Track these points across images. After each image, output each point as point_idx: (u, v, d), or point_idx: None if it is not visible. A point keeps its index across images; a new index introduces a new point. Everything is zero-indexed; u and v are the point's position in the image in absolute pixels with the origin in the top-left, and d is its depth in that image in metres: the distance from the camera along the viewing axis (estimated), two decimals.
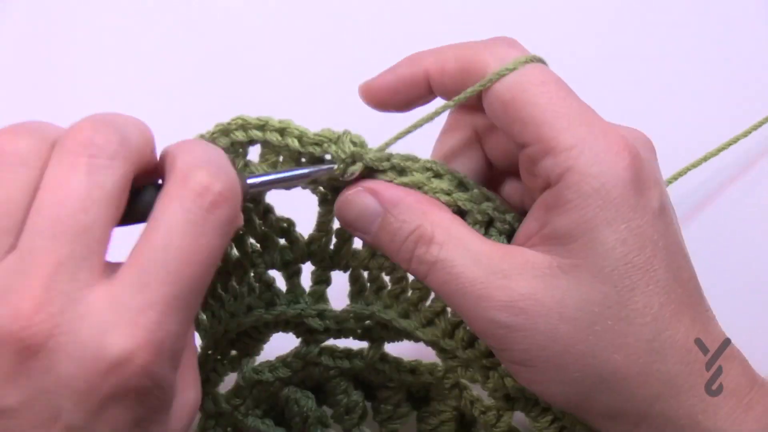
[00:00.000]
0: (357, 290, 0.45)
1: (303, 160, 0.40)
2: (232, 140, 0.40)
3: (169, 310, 0.31)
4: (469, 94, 0.38)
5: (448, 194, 0.39)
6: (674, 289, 0.36)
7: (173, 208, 0.32)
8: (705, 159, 0.55)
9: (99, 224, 0.31)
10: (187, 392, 0.36)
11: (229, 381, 0.48)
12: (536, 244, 0.37)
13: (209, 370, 0.46)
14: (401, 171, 0.39)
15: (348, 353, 0.47)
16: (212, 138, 0.40)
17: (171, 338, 0.31)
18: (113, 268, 0.32)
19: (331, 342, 0.47)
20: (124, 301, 0.31)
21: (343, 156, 0.39)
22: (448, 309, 0.43)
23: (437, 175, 0.39)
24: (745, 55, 0.63)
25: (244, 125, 0.39)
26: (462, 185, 0.40)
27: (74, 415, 0.31)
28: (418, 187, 0.39)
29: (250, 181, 0.38)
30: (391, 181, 0.39)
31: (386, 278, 0.45)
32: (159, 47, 0.64)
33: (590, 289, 0.36)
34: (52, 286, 0.30)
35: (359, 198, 0.39)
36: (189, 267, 0.32)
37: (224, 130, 0.40)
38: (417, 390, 0.49)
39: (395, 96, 0.40)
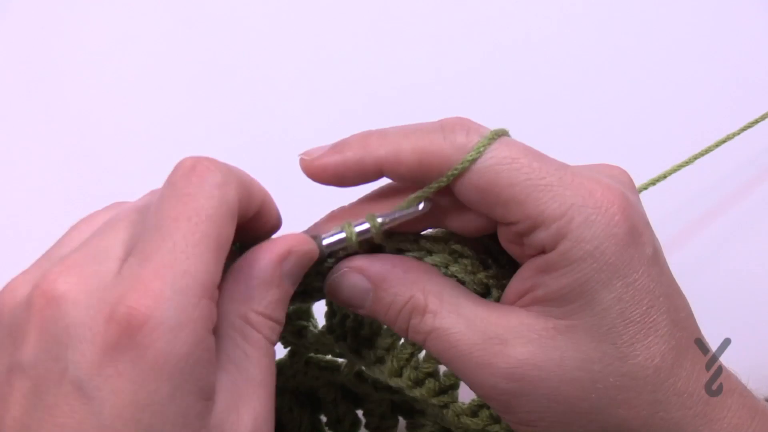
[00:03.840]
0: (329, 314, 0.45)
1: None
2: None
3: (162, 264, 0.32)
4: (434, 189, 0.37)
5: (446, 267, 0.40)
6: (674, 335, 0.36)
7: (162, 186, 0.35)
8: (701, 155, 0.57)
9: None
10: (241, 412, 0.34)
11: None
12: (529, 304, 0.37)
13: None
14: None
15: (332, 365, 0.48)
16: None
17: (169, 287, 0.31)
18: None
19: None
20: (127, 271, 0.32)
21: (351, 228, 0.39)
22: (398, 345, 0.43)
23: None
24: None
25: None
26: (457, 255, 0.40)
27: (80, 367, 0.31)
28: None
29: (326, 242, 0.38)
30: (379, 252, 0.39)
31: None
32: (158, 50, 0.67)
33: (588, 348, 0.36)
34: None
35: (346, 279, 0.39)
36: (176, 224, 0.33)
37: None
38: (401, 402, 0.50)
39: (340, 180, 0.38)
